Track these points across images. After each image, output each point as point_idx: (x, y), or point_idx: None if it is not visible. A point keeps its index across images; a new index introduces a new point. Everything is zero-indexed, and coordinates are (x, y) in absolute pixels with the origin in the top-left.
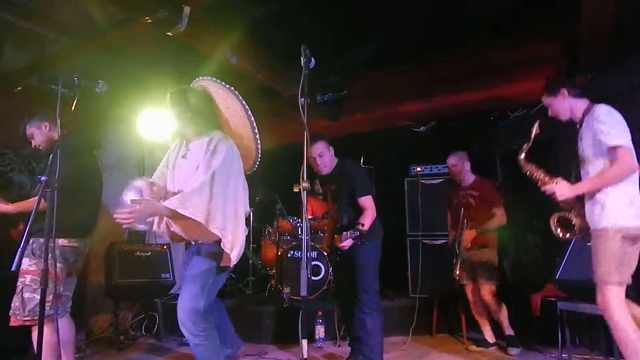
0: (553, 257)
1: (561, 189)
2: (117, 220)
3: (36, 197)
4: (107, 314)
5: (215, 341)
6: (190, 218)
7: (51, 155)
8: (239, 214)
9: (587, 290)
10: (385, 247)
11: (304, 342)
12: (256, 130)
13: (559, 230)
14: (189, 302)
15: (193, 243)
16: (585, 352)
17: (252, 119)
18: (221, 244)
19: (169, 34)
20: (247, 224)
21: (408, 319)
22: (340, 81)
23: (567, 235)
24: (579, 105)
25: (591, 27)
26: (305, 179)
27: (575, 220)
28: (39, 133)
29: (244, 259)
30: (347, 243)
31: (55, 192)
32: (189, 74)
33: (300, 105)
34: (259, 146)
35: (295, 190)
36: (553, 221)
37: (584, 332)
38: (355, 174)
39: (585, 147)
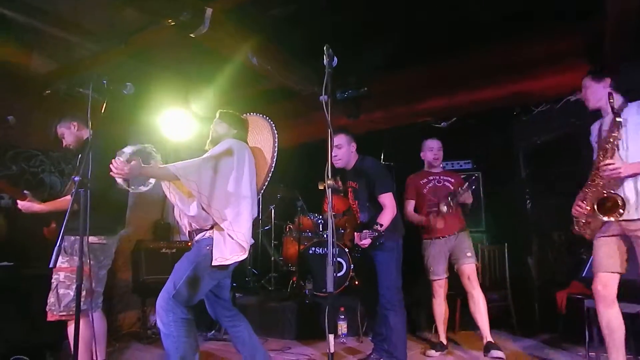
0: (578, 254)
1: (623, 166)
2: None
3: (67, 197)
4: (135, 309)
5: (183, 335)
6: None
7: (80, 155)
8: (242, 211)
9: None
10: (407, 244)
11: (331, 337)
12: (274, 158)
13: (600, 215)
14: (164, 290)
15: (195, 241)
16: None
17: (276, 147)
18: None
19: (191, 35)
20: (269, 221)
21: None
22: (359, 79)
23: (611, 217)
24: (617, 97)
25: (616, 20)
26: (330, 177)
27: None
28: (69, 133)
29: (265, 255)
30: (365, 242)
31: (89, 191)
32: (210, 76)
33: (324, 104)
34: (271, 172)
35: (320, 188)
36: (596, 205)
37: None
38: (375, 171)
39: (632, 134)
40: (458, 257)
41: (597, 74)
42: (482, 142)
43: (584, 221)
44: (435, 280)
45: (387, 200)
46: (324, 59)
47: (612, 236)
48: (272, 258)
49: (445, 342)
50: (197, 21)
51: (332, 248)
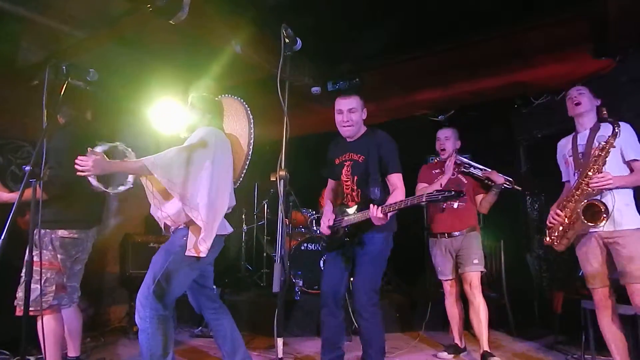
0: None
1: (613, 178)
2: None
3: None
4: (123, 304)
5: (157, 332)
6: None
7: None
8: (216, 204)
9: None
10: (403, 241)
11: (279, 341)
12: (251, 144)
13: (585, 220)
14: (144, 285)
15: (171, 232)
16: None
17: (252, 133)
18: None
19: (171, 22)
20: (262, 216)
21: (423, 315)
22: (352, 69)
23: (593, 224)
24: (592, 116)
25: (621, 5)
26: (282, 167)
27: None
28: None
29: (260, 251)
30: (384, 219)
31: (41, 182)
32: (201, 66)
33: (278, 85)
34: (248, 160)
35: (272, 179)
36: (581, 211)
37: None
38: (392, 147)
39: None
40: (463, 262)
41: (594, 92)
42: (481, 135)
43: (557, 233)
44: (443, 280)
45: (400, 180)
46: (282, 41)
47: (597, 248)
48: (265, 254)
49: (460, 344)
50: (175, 7)
51: (283, 247)
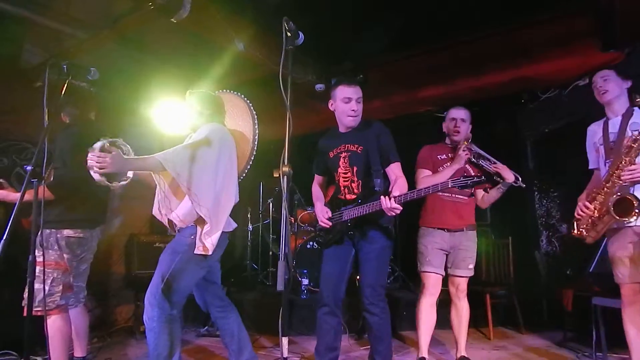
0: (589, 248)
1: None
2: (87, 164)
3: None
4: (130, 304)
5: (164, 331)
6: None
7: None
8: (222, 201)
9: None
10: (407, 238)
11: (284, 340)
12: (256, 140)
13: (616, 215)
14: (152, 284)
15: (177, 231)
16: (623, 352)
17: (256, 129)
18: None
19: (172, 20)
20: (267, 215)
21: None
22: (356, 66)
23: (625, 218)
24: (624, 100)
25: None
26: (286, 164)
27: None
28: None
29: (265, 250)
30: (398, 209)
31: (43, 182)
32: (203, 65)
33: (281, 85)
34: (252, 155)
35: (275, 176)
36: (612, 204)
37: (621, 330)
38: (390, 137)
39: None
40: (456, 264)
41: (622, 72)
42: (487, 131)
43: (585, 225)
44: (429, 272)
45: (400, 170)
46: (283, 35)
47: (629, 243)
48: (271, 252)
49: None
50: (177, 5)
51: (286, 245)
